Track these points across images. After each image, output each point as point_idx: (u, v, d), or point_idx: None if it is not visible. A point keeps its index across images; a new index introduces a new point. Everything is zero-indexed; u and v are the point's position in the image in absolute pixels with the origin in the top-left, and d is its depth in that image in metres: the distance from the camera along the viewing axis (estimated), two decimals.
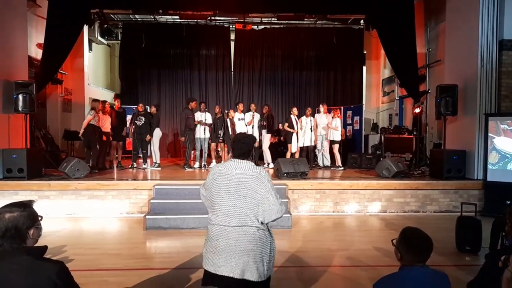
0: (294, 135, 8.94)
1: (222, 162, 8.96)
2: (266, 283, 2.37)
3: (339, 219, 6.33)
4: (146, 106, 9.21)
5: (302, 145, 9.07)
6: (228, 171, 2.37)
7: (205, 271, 2.39)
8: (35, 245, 1.80)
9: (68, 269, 1.75)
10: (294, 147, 8.97)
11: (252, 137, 2.60)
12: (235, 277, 2.25)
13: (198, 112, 8.77)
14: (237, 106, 9.17)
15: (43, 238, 2.17)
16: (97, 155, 8.09)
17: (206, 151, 8.88)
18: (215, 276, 2.30)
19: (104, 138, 8.42)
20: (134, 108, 9.16)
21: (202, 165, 8.81)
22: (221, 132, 8.86)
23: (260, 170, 2.39)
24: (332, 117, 9.18)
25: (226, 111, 9.45)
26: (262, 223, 2.33)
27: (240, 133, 3.30)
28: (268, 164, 9.00)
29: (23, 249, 1.71)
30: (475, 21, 6.98)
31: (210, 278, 2.35)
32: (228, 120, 8.95)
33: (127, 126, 9.13)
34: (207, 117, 8.72)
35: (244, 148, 2.44)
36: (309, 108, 9.21)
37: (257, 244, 2.29)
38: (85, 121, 7.83)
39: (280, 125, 9.88)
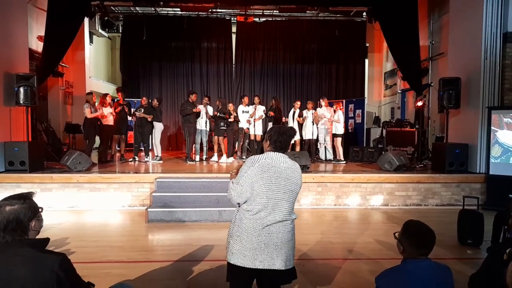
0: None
1: (224, 156, 8.94)
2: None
3: (340, 213, 6.33)
4: (150, 100, 9.18)
5: (304, 138, 9.06)
6: (277, 164, 2.27)
7: (237, 267, 2.26)
8: (37, 237, 1.80)
9: (70, 261, 1.75)
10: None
11: (293, 130, 2.49)
12: (280, 268, 2.24)
13: (201, 105, 8.75)
14: (242, 100, 9.15)
15: (46, 230, 2.18)
16: (91, 147, 8.12)
17: (206, 144, 8.89)
18: (253, 270, 2.24)
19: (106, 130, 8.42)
20: (135, 101, 9.13)
21: (204, 158, 8.82)
22: (223, 124, 8.84)
23: (298, 164, 2.40)
24: (335, 110, 9.13)
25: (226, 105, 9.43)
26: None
27: (281, 126, 3.16)
28: None
29: (25, 241, 1.71)
30: (479, 13, 6.91)
31: (245, 273, 2.26)
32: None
33: (131, 119, 9.15)
34: (209, 110, 8.73)
35: (288, 141, 2.38)
36: (310, 101, 9.21)
37: (293, 235, 2.36)
38: (89, 116, 7.86)
39: (284, 118, 9.88)
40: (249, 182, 2.23)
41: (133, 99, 11.29)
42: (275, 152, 2.32)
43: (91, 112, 7.84)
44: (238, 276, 2.29)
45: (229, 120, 8.80)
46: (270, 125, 9.17)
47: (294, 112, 9.25)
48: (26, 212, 1.72)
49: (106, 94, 8.62)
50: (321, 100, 9.46)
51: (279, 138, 2.34)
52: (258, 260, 2.21)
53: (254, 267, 2.22)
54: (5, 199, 1.75)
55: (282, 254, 2.26)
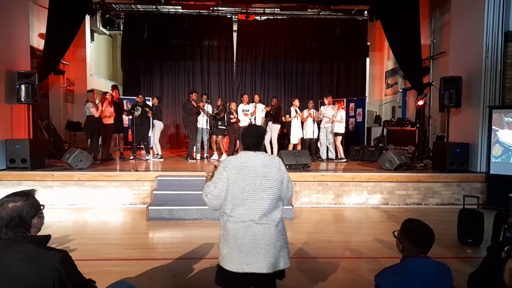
0: (294, 127, 8.88)
1: (224, 155, 8.95)
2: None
3: (340, 211, 6.34)
4: (146, 98, 9.17)
5: (304, 137, 9.05)
6: (250, 163, 2.27)
7: (227, 271, 2.26)
8: (38, 234, 1.81)
9: (71, 258, 1.76)
10: (294, 138, 8.93)
11: (260, 128, 2.52)
12: (266, 271, 2.21)
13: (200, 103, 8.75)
14: (242, 98, 9.15)
15: (47, 228, 2.19)
16: (97, 146, 8.12)
17: (207, 142, 8.89)
18: (242, 274, 2.22)
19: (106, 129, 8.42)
20: (135, 100, 9.11)
21: (204, 157, 8.83)
22: (221, 123, 8.86)
23: (279, 160, 2.41)
24: (337, 109, 9.09)
25: (227, 103, 9.42)
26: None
27: (249, 125, 3.22)
28: None
29: (27, 238, 1.73)
30: (481, 12, 6.90)
31: (235, 277, 2.25)
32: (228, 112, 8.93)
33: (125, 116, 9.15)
34: (208, 109, 8.74)
35: (252, 139, 2.38)
36: (311, 101, 9.17)
37: (281, 236, 2.31)
38: (96, 115, 7.87)
39: (283, 117, 9.85)
40: (225, 185, 2.24)
41: (134, 97, 11.28)
42: (247, 152, 2.34)
43: (97, 110, 7.85)
44: (229, 279, 2.29)
45: (232, 120, 8.78)
46: (270, 124, 9.14)
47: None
48: (29, 209, 1.74)
49: (106, 92, 8.61)
50: (324, 98, 9.39)
51: (243, 137, 2.43)
52: (244, 264, 2.21)
53: (242, 271, 2.21)
54: (8, 196, 1.76)
55: (269, 256, 2.22)
